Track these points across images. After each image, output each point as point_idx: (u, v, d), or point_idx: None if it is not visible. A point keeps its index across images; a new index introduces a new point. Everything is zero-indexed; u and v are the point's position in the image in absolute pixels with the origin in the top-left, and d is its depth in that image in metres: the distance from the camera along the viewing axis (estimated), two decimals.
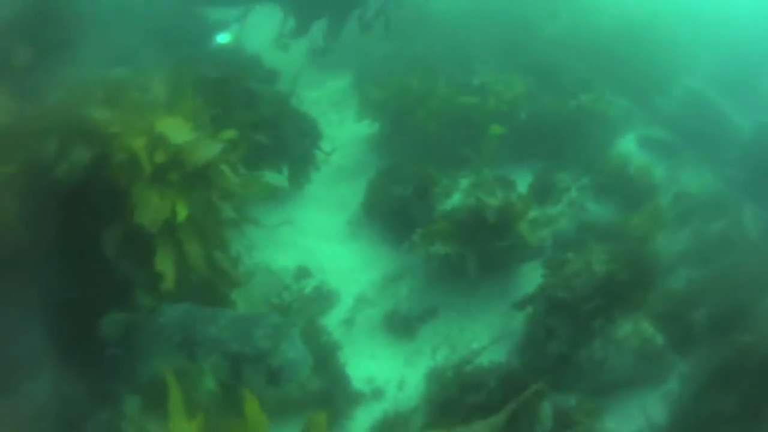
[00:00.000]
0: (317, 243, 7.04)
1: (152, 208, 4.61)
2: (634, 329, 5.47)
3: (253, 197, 5.95)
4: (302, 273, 6.52)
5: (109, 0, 7.73)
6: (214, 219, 5.10)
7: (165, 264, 4.67)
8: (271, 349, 4.42)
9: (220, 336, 4.52)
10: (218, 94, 6.45)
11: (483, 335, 6.14)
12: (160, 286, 4.65)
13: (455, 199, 6.65)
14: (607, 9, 10.99)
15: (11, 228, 4.66)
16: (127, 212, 4.64)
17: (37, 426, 4.61)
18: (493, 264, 6.54)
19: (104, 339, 4.79)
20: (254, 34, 8.77)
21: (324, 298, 6.39)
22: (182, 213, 4.70)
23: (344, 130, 8.76)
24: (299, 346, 4.64)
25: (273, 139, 6.91)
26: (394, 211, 7.30)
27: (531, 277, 6.40)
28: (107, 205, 4.81)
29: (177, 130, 4.92)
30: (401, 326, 6.29)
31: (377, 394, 5.57)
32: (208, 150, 4.99)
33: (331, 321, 6.17)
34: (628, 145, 9.36)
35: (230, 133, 5.56)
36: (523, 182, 7.37)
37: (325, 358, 5.35)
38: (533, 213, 6.81)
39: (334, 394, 5.21)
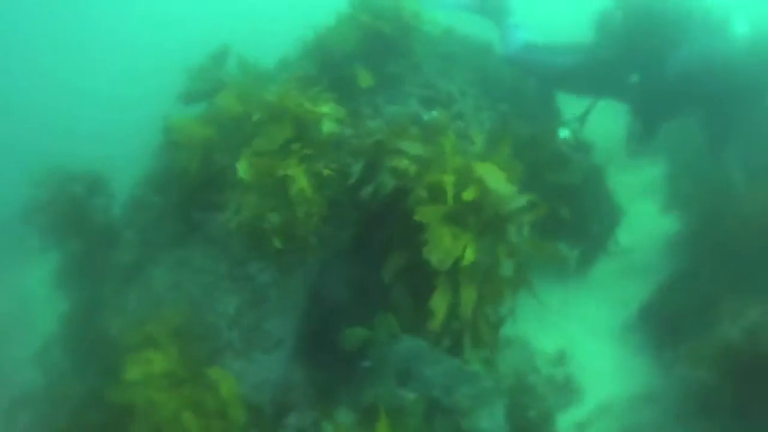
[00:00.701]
0: (584, 334, 6.51)
1: (443, 247, 4.61)
2: None
3: (537, 266, 5.57)
4: (558, 360, 6.08)
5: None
6: (495, 273, 4.91)
7: (440, 304, 4.64)
8: (467, 411, 4.17)
9: (429, 378, 4.39)
10: (527, 152, 6.24)
11: None
12: (427, 322, 4.63)
13: (739, 328, 5.57)
14: None
15: (310, 220, 5.06)
16: (415, 245, 4.69)
17: (254, 394, 4.90)
18: (757, 414, 5.39)
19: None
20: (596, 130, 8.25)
21: (567, 393, 5.87)
22: (470, 256, 4.64)
23: (647, 223, 7.98)
24: (498, 420, 4.27)
25: (574, 214, 6.58)
26: (673, 323, 6.40)
27: None
28: (397, 233, 4.95)
29: (493, 176, 4.89)
30: None
31: None
32: (514, 202, 4.91)
33: (566, 419, 5.65)
34: None
35: (532, 196, 5.25)
36: None
37: None
38: None
39: None
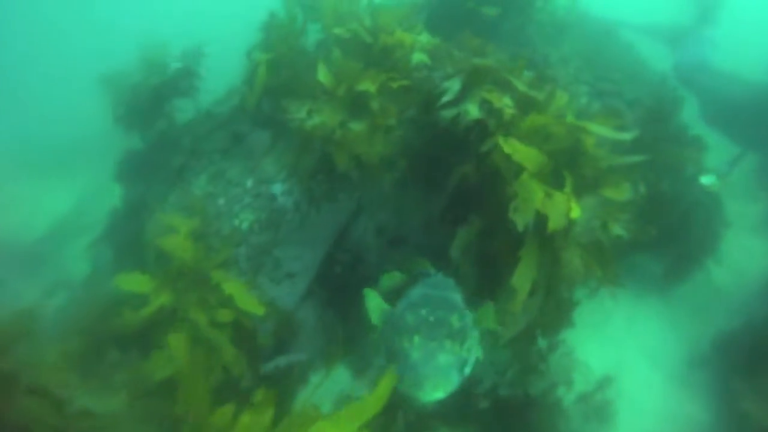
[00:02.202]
0: (640, 360, 5.38)
1: (533, 206, 3.64)
2: None
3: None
4: (601, 382, 5.00)
5: None
6: (598, 242, 3.95)
7: (524, 279, 3.70)
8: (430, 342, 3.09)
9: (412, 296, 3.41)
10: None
11: None
12: (509, 302, 3.71)
13: None
14: None
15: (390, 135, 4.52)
16: (493, 205, 3.86)
17: None
18: None
19: None
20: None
21: (597, 422, 4.81)
22: (576, 212, 3.69)
23: (749, 260, 6.68)
24: (453, 359, 3.04)
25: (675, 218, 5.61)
26: (749, 372, 5.19)
27: None
28: (472, 185, 4.12)
29: (601, 127, 4.09)
30: None
31: None
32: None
33: None
34: None
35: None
36: None
37: None
38: None
39: None
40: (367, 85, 4.45)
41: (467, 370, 3.12)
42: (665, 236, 5.54)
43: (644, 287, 5.99)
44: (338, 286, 4.65)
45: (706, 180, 6.00)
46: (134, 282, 4.37)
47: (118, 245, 5.82)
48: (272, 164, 4.73)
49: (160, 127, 6.16)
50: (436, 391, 2.93)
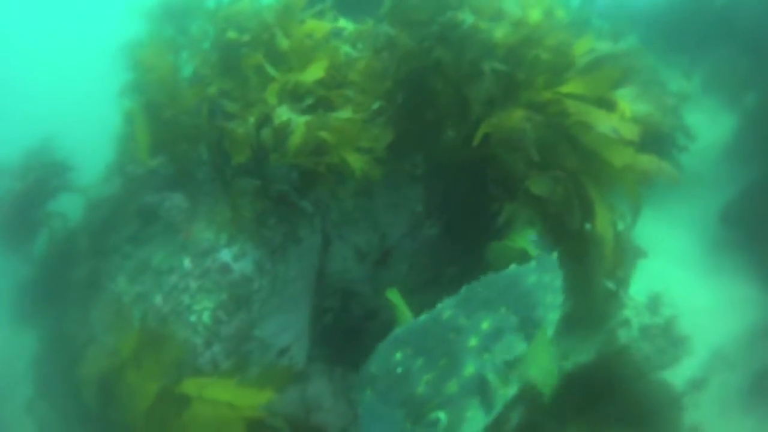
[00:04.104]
0: (665, 267, 4.68)
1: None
2: None
3: None
4: (650, 306, 4.29)
5: None
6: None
7: (605, 221, 2.91)
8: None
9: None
10: None
11: None
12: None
13: None
14: None
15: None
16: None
17: None
18: None
19: None
20: None
21: (672, 344, 4.13)
22: (627, 107, 3.16)
23: (699, 132, 6.20)
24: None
25: None
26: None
27: None
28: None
29: None
30: None
31: None
32: None
33: (678, 377, 3.93)
34: None
35: None
36: None
37: None
38: None
39: None
40: (316, 72, 3.36)
41: None
42: None
43: None
44: (336, 337, 3.55)
45: None
46: None
47: (55, 399, 4.42)
48: (206, 229, 3.42)
49: (45, 239, 4.73)
50: None
